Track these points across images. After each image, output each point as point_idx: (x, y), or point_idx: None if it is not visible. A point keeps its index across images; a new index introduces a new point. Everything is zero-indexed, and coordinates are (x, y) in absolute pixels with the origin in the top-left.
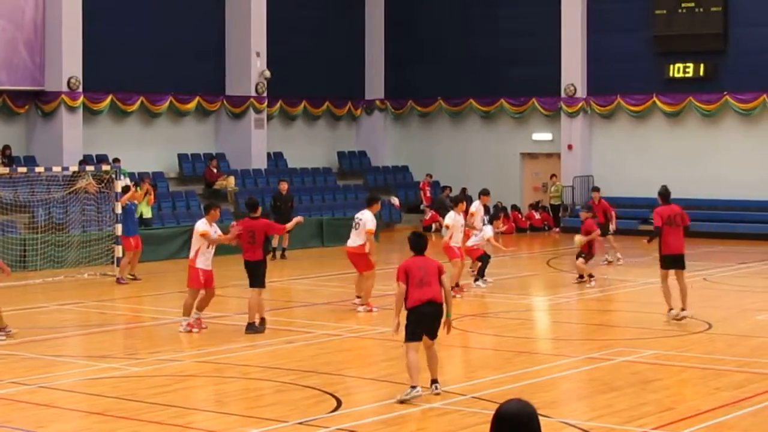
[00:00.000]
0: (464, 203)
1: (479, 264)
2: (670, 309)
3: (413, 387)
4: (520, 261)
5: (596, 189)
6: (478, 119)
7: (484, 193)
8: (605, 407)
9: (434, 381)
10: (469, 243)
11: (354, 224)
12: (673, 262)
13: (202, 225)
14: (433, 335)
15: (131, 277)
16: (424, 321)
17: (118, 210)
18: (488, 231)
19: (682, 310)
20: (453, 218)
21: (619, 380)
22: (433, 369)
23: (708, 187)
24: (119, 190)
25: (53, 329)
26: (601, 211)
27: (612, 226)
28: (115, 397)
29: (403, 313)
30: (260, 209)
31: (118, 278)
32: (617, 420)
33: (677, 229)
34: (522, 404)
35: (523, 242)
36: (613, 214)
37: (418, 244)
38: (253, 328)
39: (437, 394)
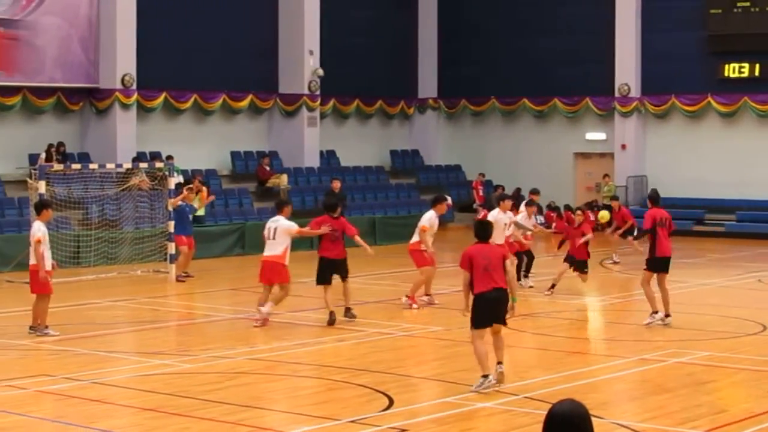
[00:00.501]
0: (509, 202)
1: (524, 260)
2: (655, 312)
3: (485, 376)
4: None
5: (615, 198)
6: (531, 118)
7: (534, 192)
8: (658, 409)
9: (499, 362)
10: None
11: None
12: (663, 265)
13: (292, 224)
14: (501, 321)
15: (184, 274)
16: (490, 307)
17: (170, 208)
18: (512, 216)
19: (667, 316)
20: (495, 216)
21: (671, 382)
22: (500, 353)
23: (762, 188)
24: (172, 187)
25: (106, 325)
26: (621, 219)
27: (629, 231)
28: (167, 393)
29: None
30: (339, 209)
31: (177, 276)
32: (670, 422)
33: (666, 232)
34: (574, 405)
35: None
36: (630, 223)
37: (483, 231)
38: (350, 314)
39: (500, 372)
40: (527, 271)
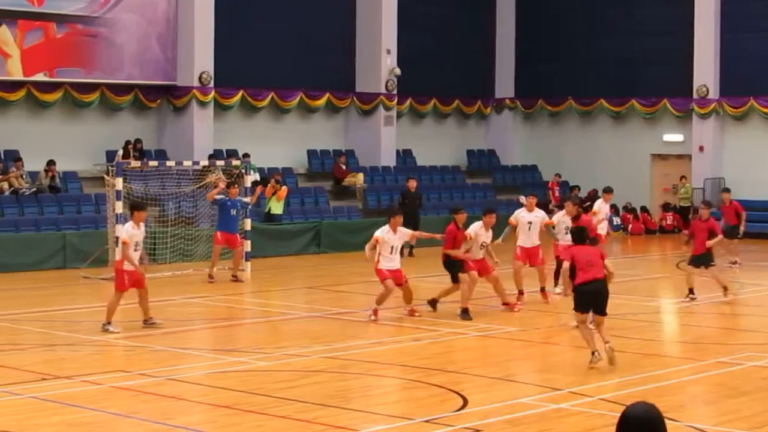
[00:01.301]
0: (574, 206)
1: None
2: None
3: (593, 353)
4: (649, 263)
5: (726, 190)
6: (608, 119)
7: (607, 190)
8: (733, 412)
9: (607, 342)
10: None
11: None
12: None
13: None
14: (601, 311)
15: (233, 278)
16: (590, 295)
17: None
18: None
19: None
20: (558, 218)
21: (747, 385)
22: (605, 336)
23: None
24: (248, 185)
25: (181, 322)
26: (733, 213)
27: (741, 228)
28: (241, 390)
29: None
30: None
31: (233, 276)
32: (745, 425)
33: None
34: (648, 407)
35: (652, 244)
36: (744, 216)
37: (579, 235)
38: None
39: (610, 347)
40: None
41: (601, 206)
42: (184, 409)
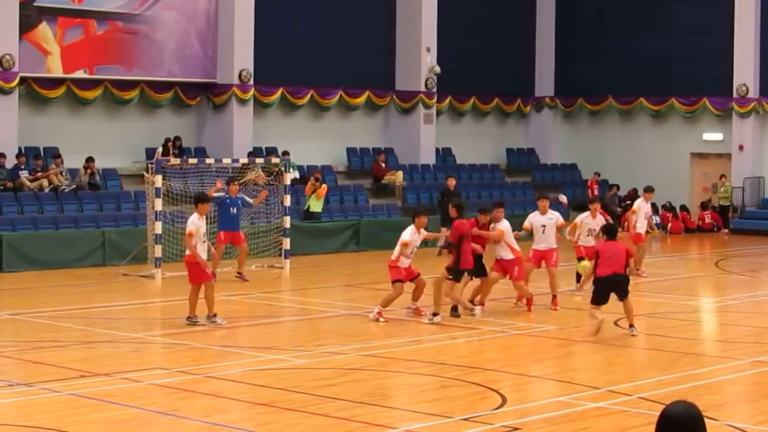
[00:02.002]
0: (598, 204)
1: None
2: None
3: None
4: (688, 262)
5: None
6: (648, 118)
7: (648, 189)
8: None
9: (631, 326)
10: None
11: None
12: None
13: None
14: (623, 295)
15: (238, 275)
16: (607, 285)
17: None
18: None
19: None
20: (582, 219)
21: None
22: (630, 317)
23: None
24: (288, 182)
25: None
26: None
27: None
28: (280, 388)
29: None
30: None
31: (238, 273)
32: None
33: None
34: (688, 406)
35: (692, 243)
36: None
37: (610, 231)
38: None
39: (633, 335)
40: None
41: (641, 205)
42: (223, 406)
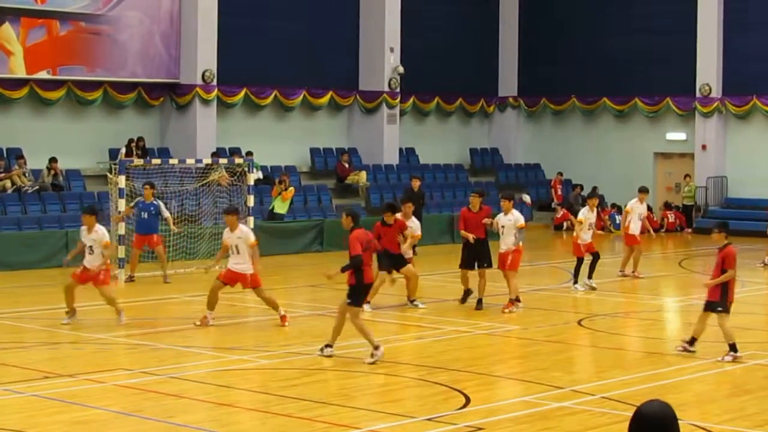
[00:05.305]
0: (597, 199)
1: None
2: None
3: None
4: (652, 261)
5: None
6: (612, 118)
7: (642, 190)
8: (737, 410)
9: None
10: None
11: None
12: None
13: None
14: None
15: (165, 279)
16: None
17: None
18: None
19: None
20: (585, 214)
21: (751, 383)
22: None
23: None
24: (251, 183)
25: (184, 320)
26: None
27: None
28: (244, 389)
29: None
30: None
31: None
32: (749, 424)
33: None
34: (663, 405)
35: (655, 243)
36: None
37: None
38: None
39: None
40: (591, 272)
41: (634, 206)
42: (187, 407)
